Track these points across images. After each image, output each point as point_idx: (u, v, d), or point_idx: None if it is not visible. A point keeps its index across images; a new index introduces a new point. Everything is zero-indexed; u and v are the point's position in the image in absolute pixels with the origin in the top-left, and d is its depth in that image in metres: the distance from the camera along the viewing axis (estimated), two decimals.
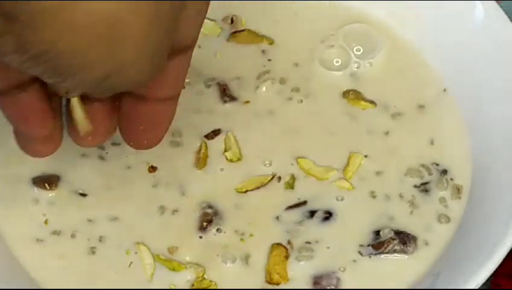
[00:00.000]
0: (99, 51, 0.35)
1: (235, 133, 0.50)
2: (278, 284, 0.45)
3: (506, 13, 0.51)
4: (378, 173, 0.49)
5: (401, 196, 0.48)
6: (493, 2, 0.51)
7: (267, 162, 0.49)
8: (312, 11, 0.55)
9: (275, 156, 0.49)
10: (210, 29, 0.54)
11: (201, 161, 0.49)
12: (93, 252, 0.46)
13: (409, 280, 0.45)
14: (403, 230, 0.47)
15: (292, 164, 0.49)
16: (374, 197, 0.48)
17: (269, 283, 0.45)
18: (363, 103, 0.51)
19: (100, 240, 0.46)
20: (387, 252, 0.46)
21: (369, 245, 0.46)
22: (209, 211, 0.47)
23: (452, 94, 0.52)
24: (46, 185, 0.48)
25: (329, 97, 0.52)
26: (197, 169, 0.49)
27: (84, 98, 0.41)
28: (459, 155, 0.50)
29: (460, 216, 0.47)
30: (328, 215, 0.47)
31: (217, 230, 0.47)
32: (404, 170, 0.49)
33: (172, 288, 0.45)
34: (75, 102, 0.41)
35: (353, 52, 0.53)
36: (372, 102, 0.52)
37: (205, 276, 0.45)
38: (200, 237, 0.47)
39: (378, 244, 0.46)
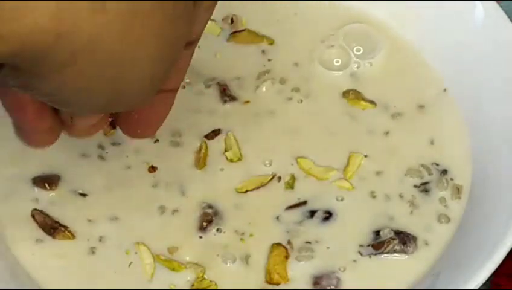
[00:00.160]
0: (104, 88, 0.36)
1: (235, 133, 0.50)
2: (278, 284, 0.45)
3: (506, 13, 0.51)
4: (378, 173, 0.49)
5: (401, 196, 0.48)
6: (493, 2, 0.51)
7: (267, 162, 0.49)
8: (312, 11, 0.55)
9: (275, 156, 0.49)
10: (210, 29, 0.54)
11: (201, 161, 0.49)
12: (93, 252, 0.46)
13: (409, 280, 0.45)
14: (403, 230, 0.47)
15: (292, 164, 0.49)
16: (374, 197, 0.48)
17: (269, 283, 0.45)
18: (363, 103, 0.51)
19: (100, 240, 0.46)
20: (387, 252, 0.46)
21: (369, 245, 0.46)
22: (209, 211, 0.47)
23: (452, 94, 0.52)
24: (46, 185, 0.48)
25: (329, 97, 0.52)
26: (197, 169, 0.49)
27: None
28: (459, 155, 0.50)
29: (460, 216, 0.47)
30: (328, 216, 0.47)
31: (217, 230, 0.47)
32: (404, 170, 0.49)
33: (172, 288, 0.45)
34: None
35: (353, 52, 0.53)
36: (372, 102, 0.52)
37: (205, 276, 0.45)
38: (200, 237, 0.47)
39: (378, 244, 0.46)
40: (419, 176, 0.49)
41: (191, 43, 0.41)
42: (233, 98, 0.51)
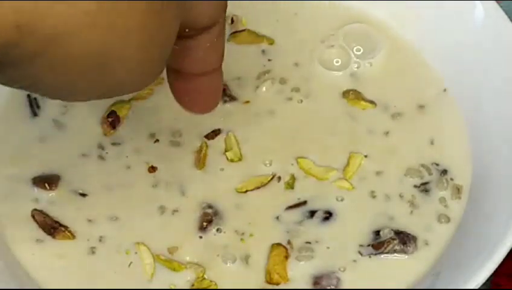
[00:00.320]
0: (89, 79, 0.36)
1: (235, 133, 0.50)
2: (277, 284, 0.45)
3: (506, 13, 0.51)
4: (378, 173, 0.49)
5: (401, 196, 0.48)
6: (493, 2, 0.51)
7: (267, 162, 0.49)
8: (312, 11, 0.55)
9: (275, 156, 0.49)
10: None
11: (201, 161, 0.49)
12: (93, 252, 0.46)
13: (409, 280, 0.45)
14: (403, 230, 0.47)
15: (292, 164, 0.49)
16: (374, 197, 0.48)
17: (269, 283, 0.45)
18: (363, 103, 0.51)
19: (100, 240, 0.46)
20: (387, 252, 0.46)
21: (369, 245, 0.46)
22: (209, 211, 0.47)
23: (452, 94, 0.52)
24: (46, 185, 0.48)
25: (329, 97, 0.52)
26: (197, 169, 0.49)
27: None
28: (459, 155, 0.50)
29: (460, 216, 0.47)
30: (328, 216, 0.47)
31: (217, 230, 0.47)
32: (404, 170, 0.49)
33: (172, 288, 0.45)
34: None
35: (353, 52, 0.53)
36: (372, 102, 0.52)
37: (205, 276, 0.45)
38: (200, 237, 0.47)
39: (378, 244, 0.46)
40: (419, 176, 0.49)
41: (207, 28, 0.40)
42: (233, 98, 0.51)
